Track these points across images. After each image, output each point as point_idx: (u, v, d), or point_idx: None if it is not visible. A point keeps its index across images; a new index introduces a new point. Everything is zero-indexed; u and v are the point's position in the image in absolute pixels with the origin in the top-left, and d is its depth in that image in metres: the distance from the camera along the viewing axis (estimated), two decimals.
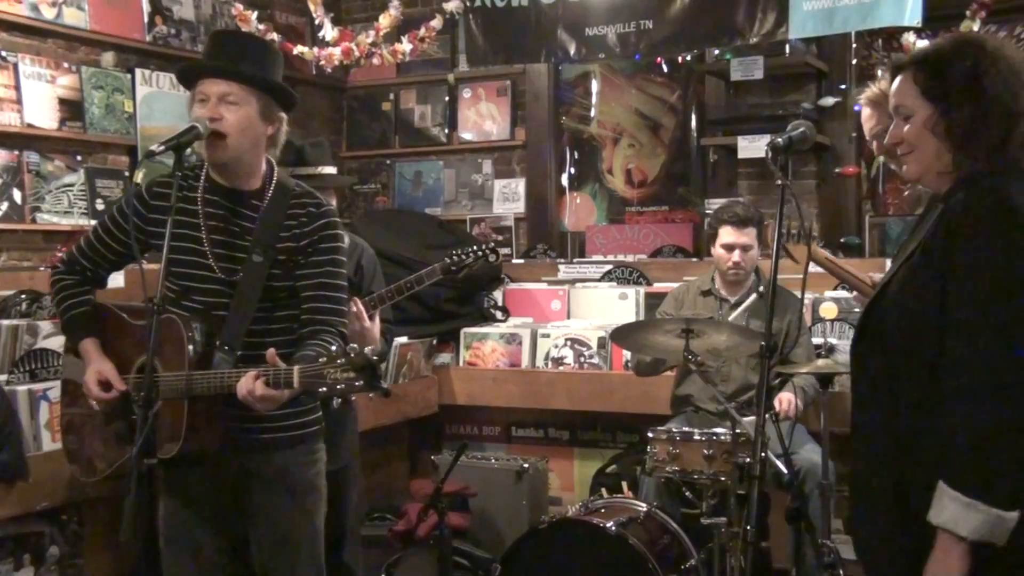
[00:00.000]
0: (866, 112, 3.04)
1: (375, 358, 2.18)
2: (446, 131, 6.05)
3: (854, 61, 5.22)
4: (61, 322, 2.76)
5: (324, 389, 2.22)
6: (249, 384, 2.31)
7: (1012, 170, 1.89)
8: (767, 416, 2.39)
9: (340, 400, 2.57)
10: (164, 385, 2.42)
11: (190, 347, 2.44)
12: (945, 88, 1.93)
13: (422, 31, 5.05)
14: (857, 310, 4.03)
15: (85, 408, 2.69)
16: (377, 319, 3.45)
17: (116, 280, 3.23)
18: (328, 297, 2.59)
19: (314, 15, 5.16)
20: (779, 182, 2.08)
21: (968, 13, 4.21)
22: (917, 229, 2.06)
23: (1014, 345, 1.76)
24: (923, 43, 4.13)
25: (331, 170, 3.58)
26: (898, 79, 2.03)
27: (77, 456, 2.77)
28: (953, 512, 1.75)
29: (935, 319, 1.83)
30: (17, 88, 4.37)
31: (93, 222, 4.14)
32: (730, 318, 4.02)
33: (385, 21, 5.01)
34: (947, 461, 1.78)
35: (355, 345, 2.22)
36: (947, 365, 1.81)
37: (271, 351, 2.33)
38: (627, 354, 4.50)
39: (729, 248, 4.03)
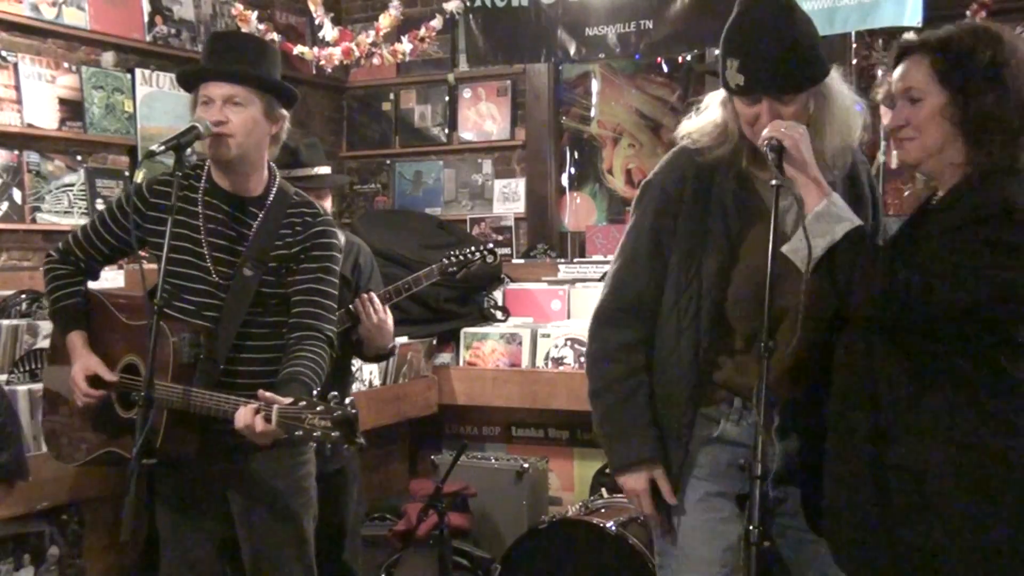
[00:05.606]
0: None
1: (354, 411, 2.17)
2: (446, 131, 6.04)
3: (854, 61, 5.21)
4: (50, 312, 2.76)
5: (300, 433, 2.19)
6: (248, 418, 2.28)
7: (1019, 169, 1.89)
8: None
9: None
10: (158, 392, 2.40)
11: (174, 358, 2.44)
12: (966, 76, 1.91)
13: (422, 31, 5.05)
14: None
15: (69, 407, 2.71)
16: (389, 313, 3.44)
17: (117, 279, 3.22)
18: (317, 303, 2.60)
19: (314, 15, 5.16)
20: (773, 182, 2.05)
21: (968, 13, 4.20)
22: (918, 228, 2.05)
23: None
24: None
25: (326, 170, 3.58)
26: (907, 61, 2.01)
27: (56, 443, 2.81)
28: None
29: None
30: (17, 88, 4.36)
31: None
32: None
33: (385, 21, 5.01)
34: None
35: (336, 393, 2.20)
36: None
37: (261, 392, 2.30)
38: None
39: None
